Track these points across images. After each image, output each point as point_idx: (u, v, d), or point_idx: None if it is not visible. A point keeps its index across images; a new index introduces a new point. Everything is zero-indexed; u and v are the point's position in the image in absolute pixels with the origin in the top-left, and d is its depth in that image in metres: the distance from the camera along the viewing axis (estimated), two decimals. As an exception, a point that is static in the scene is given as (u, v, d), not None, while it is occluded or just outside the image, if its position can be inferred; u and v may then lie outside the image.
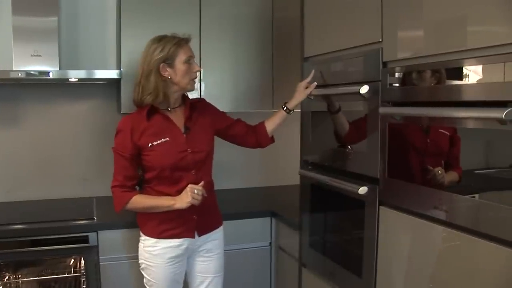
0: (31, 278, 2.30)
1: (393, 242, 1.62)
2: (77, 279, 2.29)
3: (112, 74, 2.48)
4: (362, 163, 1.78)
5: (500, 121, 1.14)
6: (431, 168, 1.47)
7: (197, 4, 2.61)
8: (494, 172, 1.30)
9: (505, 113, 1.11)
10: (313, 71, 2.06)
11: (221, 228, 2.12)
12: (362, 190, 1.69)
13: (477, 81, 1.28)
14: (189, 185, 1.87)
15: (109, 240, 2.28)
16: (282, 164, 3.10)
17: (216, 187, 2.11)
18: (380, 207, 1.66)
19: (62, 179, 2.78)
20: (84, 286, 2.22)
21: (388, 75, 1.60)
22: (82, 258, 2.26)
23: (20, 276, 2.29)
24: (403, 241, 1.58)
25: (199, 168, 1.96)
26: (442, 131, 1.45)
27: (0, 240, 2.14)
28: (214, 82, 2.68)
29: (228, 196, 2.74)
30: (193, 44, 2.00)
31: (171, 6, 2.56)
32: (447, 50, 1.36)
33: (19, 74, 2.26)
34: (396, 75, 1.58)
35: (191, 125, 1.98)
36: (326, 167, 2.04)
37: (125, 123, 1.92)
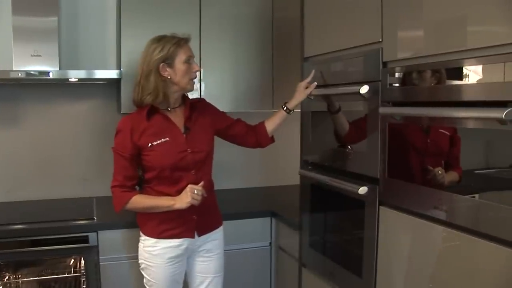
0: (31, 278, 2.30)
1: (393, 242, 1.62)
2: (77, 279, 2.29)
3: (112, 74, 2.48)
4: (362, 163, 1.78)
5: (500, 121, 1.14)
6: (431, 168, 1.47)
7: (197, 4, 2.61)
8: (494, 172, 1.30)
9: (505, 113, 1.11)
10: (313, 71, 2.06)
11: (221, 228, 2.12)
12: (362, 190, 1.69)
13: (477, 81, 1.28)
14: (189, 185, 1.87)
15: (109, 240, 2.28)
16: (282, 164, 3.10)
17: (216, 187, 2.11)
18: (380, 207, 1.66)
19: (62, 179, 2.78)
20: (84, 286, 2.22)
21: (388, 75, 1.60)
22: (82, 258, 2.26)
23: (20, 276, 2.29)
24: (403, 241, 1.58)
25: (199, 168, 1.96)
26: (442, 131, 1.45)
27: (0, 240, 2.14)
28: (214, 82, 2.68)
29: (228, 196, 2.74)
30: (193, 44, 2.00)
31: (171, 6, 2.56)
32: (447, 50, 1.36)
33: (19, 74, 2.26)
34: (396, 75, 1.58)
35: (191, 125, 1.98)
36: (326, 167, 2.04)
37: (125, 123, 1.92)
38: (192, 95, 2.15)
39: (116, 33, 2.63)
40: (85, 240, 2.24)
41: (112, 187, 1.93)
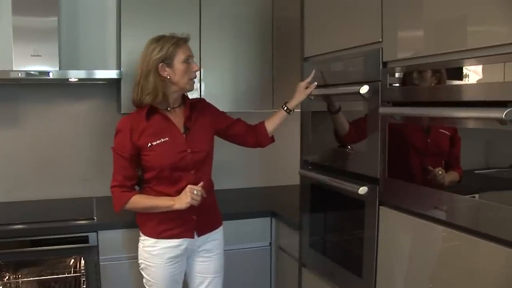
0: (31, 278, 2.30)
1: (393, 242, 1.62)
2: (77, 279, 2.29)
3: (112, 74, 2.48)
4: (362, 163, 1.78)
5: (500, 121, 1.14)
6: (431, 168, 1.47)
7: (197, 4, 2.61)
8: (494, 172, 1.30)
9: (505, 113, 1.11)
10: (313, 71, 2.06)
11: (220, 228, 2.11)
12: (362, 190, 1.69)
13: (477, 81, 1.28)
14: (188, 186, 1.87)
15: (109, 240, 2.28)
16: (282, 164, 3.10)
17: (216, 187, 2.11)
18: (380, 207, 1.66)
19: (62, 179, 2.78)
20: (84, 286, 2.22)
21: (388, 75, 1.60)
22: (82, 258, 2.26)
23: (20, 276, 2.29)
24: (403, 241, 1.57)
25: (199, 168, 1.96)
26: (443, 131, 1.45)
27: (0, 240, 2.14)
28: (214, 82, 2.68)
29: (228, 196, 2.74)
30: (193, 44, 2.00)
31: (171, 6, 2.56)
32: (447, 50, 1.36)
33: (19, 74, 2.26)
34: (396, 75, 1.58)
35: (191, 125, 1.98)
36: (326, 167, 2.04)
37: (124, 123, 1.92)
38: (192, 95, 2.15)
39: (116, 33, 2.63)
40: (85, 240, 2.24)
41: (112, 187, 1.93)
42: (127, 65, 2.47)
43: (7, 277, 2.29)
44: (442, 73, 1.40)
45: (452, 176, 1.42)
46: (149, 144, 1.89)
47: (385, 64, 1.63)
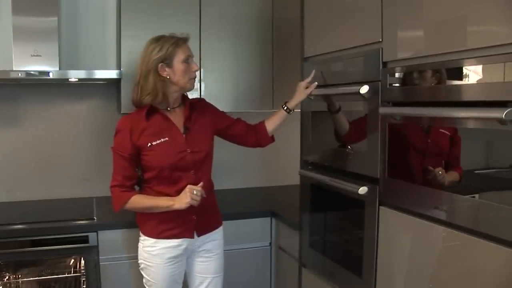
0: (31, 278, 2.30)
1: (393, 242, 1.62)
2: (77, 279, 2.29)
3: (112, 74, 2.48)
4: (362, 163, 1.78)
5: (500, 121, 1.14)
6: (431, 168, 1.47)
7: (197, 4, 2.61)
8: (494, 172, 1.30)
9: (505, 113, 1.11)
10: (313, 71, 2.06)
11: (220, 228, 2.11)
12: (362, 190, 1.69)
13: (477, 81, 1.28)
14: (188, 186, 1.87)
15: (109, 240, 2.28)
16: (282, 164, 3.10)
17: (216, 187, 2.11)
18: (380, 207, 1.66)
19: (62, 179, 2.78)
20: (84, 286, 2.22)
21: (388, 75, 1.60)
22: (82, 258, 2.26)
23: (20, 276, 2.29)
24: (403, 241, 1.57)
25: (198, 168, 1.96)
26: (443, 131, 1.45)
27: (0, 240, 2.14)
28: (214, 82, 2.68)
29: (228, 196, 2.74)
30: (193, 44, 2.00)
31: (171, 6, 2.56)
32: (447, 50, 1.36)
33: (19, 74, 2.26)
34: (396, 75, 1.58)
35: (191, 125, 1.98)
36: (326, 167, 2.04)
37: (124, 123, 1.92)
38: (192, 95, 2.15)
39: (116, 33, 2.63)
40: (85, 240, 2.24)
41: (112, 186, 1.93)
42: (127, 65, 2.47)
43: (7, 277, 2.29)
44: (442, 73, 1.40)
45: (452, 176, 1.42)
46: (149, 144, 1.89)
47: (385, 64, 1.63)
